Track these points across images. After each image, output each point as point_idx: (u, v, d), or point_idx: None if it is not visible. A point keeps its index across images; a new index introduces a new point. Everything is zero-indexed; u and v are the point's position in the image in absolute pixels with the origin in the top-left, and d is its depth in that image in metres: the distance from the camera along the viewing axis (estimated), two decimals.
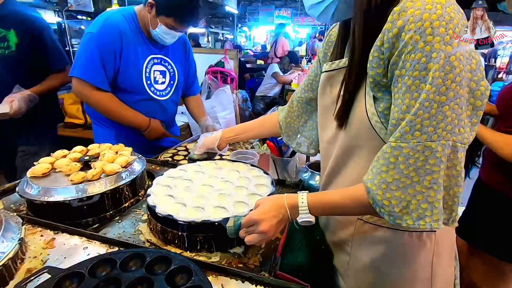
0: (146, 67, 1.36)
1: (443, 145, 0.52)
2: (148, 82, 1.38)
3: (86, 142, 1.15)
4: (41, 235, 0.77)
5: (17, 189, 0.87)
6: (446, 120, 0.51)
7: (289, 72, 4.21)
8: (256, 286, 0.63)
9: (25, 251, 0.70)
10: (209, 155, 1.12)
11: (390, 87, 0.58)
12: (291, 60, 4.46)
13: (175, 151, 1.45)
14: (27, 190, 0.85)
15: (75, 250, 0.72)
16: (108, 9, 4.21)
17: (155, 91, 1.41)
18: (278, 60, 4.97)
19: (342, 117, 0.67)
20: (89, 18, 8.33)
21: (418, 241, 0.69)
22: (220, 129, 1.10)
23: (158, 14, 1.25)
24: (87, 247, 0.73)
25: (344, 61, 0.69)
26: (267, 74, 4.31)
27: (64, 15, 5.10)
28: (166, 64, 1.45)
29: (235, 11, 9.66)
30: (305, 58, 5.66)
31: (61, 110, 3.04)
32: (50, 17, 10.49)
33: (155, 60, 1.40)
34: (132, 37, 1.29)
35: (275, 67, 4.21)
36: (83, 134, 2.81)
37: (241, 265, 0.70)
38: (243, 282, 0.63)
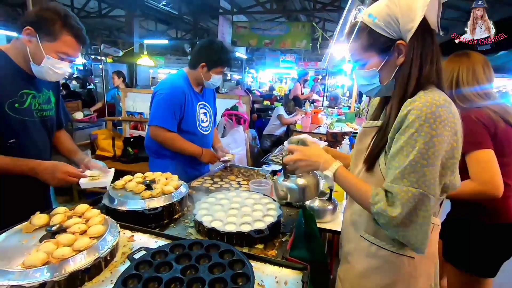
0: (197, 112, 1.89)
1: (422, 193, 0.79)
2: (198, 122, 1.90)
3: (115, 172, 1.48)
4: (123, 233, 1.10)
5: (102, 201, 1.23)
6: (426, 177, 0.79)
7: (293, 115, 4.69)
8: (273, 266, 0.95)
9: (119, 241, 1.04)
10: None
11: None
12: (295, 103, 4.97)
13: (203, 180, 1.81)
14: (110, 202, 1.21)
15: (149, 243, 1.05)
16: (138, 60, 4.81)
17: (202, 128, 1.94)
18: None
19: (369, 164, 0.95)
20: (110, 60, 9.18)
21: (397, 260, 0.94)
22: (324, 143, 1.36)
23: (210, 69, 1.81)
24: (157, 241, 1.06)
25: (376, 123, 0.98)
26: (273, 115, 4.80)
27: (90, 58, 5.76)
28: (206, 107, 1.99)
29: (244, 57, 10.59)
30: (308, 101, 6.20)
31: (93, 143, 3.49)
32: (77, 59, 11.57)
33: (201, 106, 1.94)
34: (188, 93, 1.83)
35: (280, 110, 4.70)
36: (112, 165, 3.17)
37: (262, 255, 1.02)
38: (265, 263, 0.96)
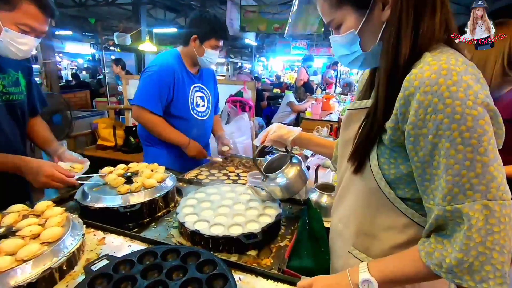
0: (190, 95, 1.69)
1: (500, 205, 0.51)
2: (192, 106, 1.70)
3: (116, 162, 1.32)
4: (94, 235, 0.94)
5: (74, 197, 1.07)
6: (497, 180, 0.51)
7: (304, 101, 4.43)
8: (267, 280, 0.77)
9: (84, 246, 0.87)
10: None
11: (403, 146, 0.61)
12: (306, 89, 4.70)
13: (199, 171, 1.63)
14: (83, 198, 1.05)
15: (121, 247, 0.89)
16: (141, 45, 4.71)
17: (197, 113, 1.74)
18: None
19: (357, 164, 0.70)
20: (119, 50, 9.07)
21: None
22: (299, 129, 1.14)
23: (202, 42, 1.60)
24: (131, 245, 0.90)
25: (365, 102, 0.72)
26: (283, 102, 4.55)
27: (100, 48, 5.63)
28: (203, 90, 1.79)
29: (254, 43, 10.25)
30: (320, 88, 5.91)
31: (94, 133, 3.37)
32: (86, 49, 11.59)
33: (196, 88, 1.74)
34: (180, 73, 1.63)
35: (290, 97, 4.45)
36: (113, 155, 3.09)
37: (255, 264, 0.84)
38: (256, 276, 0.78)
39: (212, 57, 1.65)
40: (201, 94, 1.77)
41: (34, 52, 1.24)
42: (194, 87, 1.72)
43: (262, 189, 1.11)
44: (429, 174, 0.57)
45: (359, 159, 0.70)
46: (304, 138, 1.10)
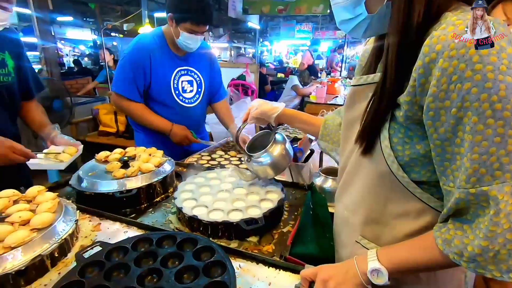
0: (174, 79, 1.55)
1: None
2: (177, 92, 1.57)
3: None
4: (90, 221, 0.91)
5: (70, 182, 1.04)
6: None
7: (308, 85, 4.32)
8: (268, 267, 0.73)
9: (78, 232, 0.84)
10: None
11: (421, 123, 0.54)
12: (311, 73, 4.58)
13: (200, 156, 1.59)
14: (78, 184, 1.01)
15: (117, 233, 0.86)
16: (140, 28, 4.62)
17: (183, 100, 1.60)
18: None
19: (366, 143, 0.63)
20: (121, 36, 8.88)
21: (410, 276, 0.66)
22: (283, 104, 1.07)
23: (178, 24, 1.43)
24: (127, 231, 0.86)
25: (372, 77, 0.64)
26: (287, 86, 4.45)
27: (102, 33, 5.54)
28: (193, 74, 1.63)
29: (257, 27, 9.99)
30: (325, 71, 5.77)
31: (96, 119, 3.34)
32: (87, 35, 11.42)
33: (182, 72, 1.58)
34: (160, 54, 1.50)
35: (295, 80, 4.34)
36: (115, 141, 3.06)
37: (256, 251, 0.80)
38: (257, 264, 0.74)
39: (189, 42, 1.46)
40: (189, 78, 1.61)
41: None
42: (179, 70, 1.57)
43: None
44: (450, 153, 0.51)
45: (367, 139, 0.63)
46: (288, 115, 1.03)
